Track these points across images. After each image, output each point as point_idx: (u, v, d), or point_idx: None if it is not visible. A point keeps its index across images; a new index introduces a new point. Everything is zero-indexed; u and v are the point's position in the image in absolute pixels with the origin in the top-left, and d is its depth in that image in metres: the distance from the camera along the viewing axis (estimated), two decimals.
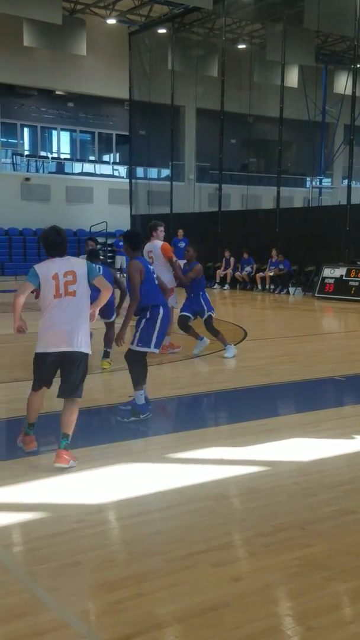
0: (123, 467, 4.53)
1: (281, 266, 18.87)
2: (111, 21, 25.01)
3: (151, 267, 6.00)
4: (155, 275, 5.94)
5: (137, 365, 5.81)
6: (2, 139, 26.26)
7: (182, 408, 6.58)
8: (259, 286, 19.36)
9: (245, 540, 3.57)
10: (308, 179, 29.12)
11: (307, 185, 29.15)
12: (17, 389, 6.90)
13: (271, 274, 19.03)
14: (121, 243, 24.70)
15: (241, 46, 25.18)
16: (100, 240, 27.32)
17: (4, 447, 5.21)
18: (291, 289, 18.46)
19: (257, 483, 4.33)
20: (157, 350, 5.94)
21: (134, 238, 5.99)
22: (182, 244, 20.49)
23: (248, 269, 19.97)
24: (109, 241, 26.92)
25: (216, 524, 3.73)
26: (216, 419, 6.32)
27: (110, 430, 5.60)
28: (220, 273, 20.48)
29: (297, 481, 4.37)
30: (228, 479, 4.40)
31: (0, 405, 6.22)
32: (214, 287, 20.37)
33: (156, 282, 5.91)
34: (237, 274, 20.12)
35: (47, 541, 3.44)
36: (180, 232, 20.55)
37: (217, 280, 20.48)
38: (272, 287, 19.00)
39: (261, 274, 19.41)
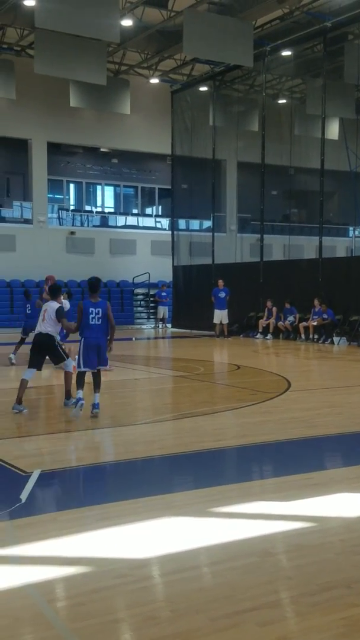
0: (166, 521, 4.51)
1: (325, 316, 18.75)
2: (154, 81, 26.01)
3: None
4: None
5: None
6: (49, 195, 27.22)
7: (226, 460, 6.53)
8: (302, 336, 19.23)
9: (291, 599, 3.49)
10: (351, 228, 29.15)
11: (350, 235, 29.15)
12: (60, 441, 6.99)
13: (315, 323, 18.92)
14: (164, 294, 25.31)
15: (281, 101, 25.77)
16: (142, 290, 27.84)
17: (49, 499, 5.24)
18: (335, 339, 18.28)
19: (303, 539, 4.24)
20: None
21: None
22: (222, 294, 20.69)
23: (291, 318, 19.91)
24: (152, 292, 27.33)
25: (261, 581, 3.67)
26: (261, 472, 6.24)
27: (154, 483, 5.59)
28: (262, 323, 20.47)
29: (343, 538, 4.27)
30: (273, 535, 4.32)
31: (43, 458, 6.28)
32: (257, 336, 20.35)
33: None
34: (280, 323, 20.06)
35: (90, 596, 3.43)
36: (221, 282, 20.73)
37: (260, 330, 20.45)
38: (316, 337, 18.86)
39: (304, 323, 19.31)
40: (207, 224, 27.60)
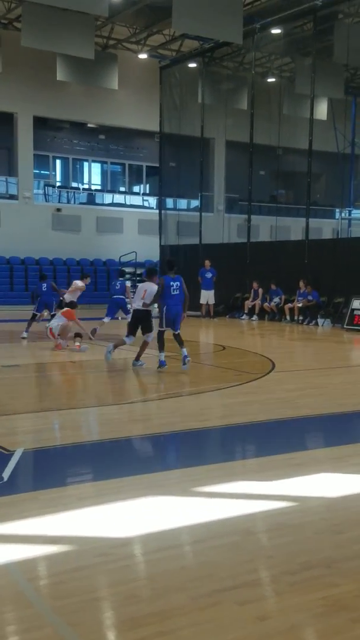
0: (149, 500, 4.52)
1: (310, 297, 18.80)
2: (142, 56, 25.63)
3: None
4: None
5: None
6: (34, 171, 26.88)
7: (210, 440, 6.55)
8: (287, 317, 19.29)
9: (271, 578, 3.52)
10: (337, 210, 29.13)
11: (337, 217, 29.14)
12: (46, 419, 6.97)
13: (300, 305, 18.97)
14: None
15: (270, 79, 25.52)
16: (129, 270, 27.69)
17: (31, 477, 5.23)
18: (320, 321, 18.35)
19: (285, 519, 4.27)
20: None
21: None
22: (209, 275, 20.63)
23: (276, 300, 19.94)
24: (138, 271, 27.21)
25: (242, 560, 3.69)
26: (244, 452, 6.27)
27: (138, 462, 5.60)
28: (248, 304, 20.49)
29: (325, 517, 4.31)
30: (255, 514, 4.35)
31: (29, 435, 6.26)
32: (242, 317, 20.37)
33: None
34: (266, 304, 20.09)
35: (71, 575, 3.43)
36: (207, 262, 20.66)
37: (246, 311, 20.48)
38: (301, 318, 18.92)
39: (290, 305, 19.36)
40: (195, 203, 27.45)
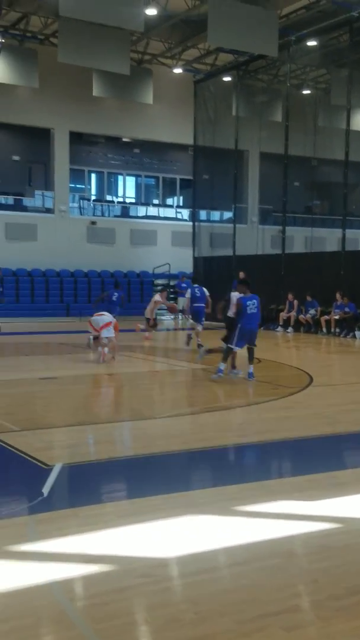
0: (188, 519, 4.45)
1: (347, 309, 18.54)
2: (177, 70, 25.79)
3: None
4: None
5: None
6: (70, 184, 27.21)
7: (248, 457, 6.45)
8: (324, 329, 19.05)
9: (316, 603, 3.41)
10: None
11: None
12: (82, 433, 6.96)
13: (336, 317, 18.72)
14: (184, 285, 25.17)
15: (306, 91, 25.44)
16: (162, 281, 27.76)
17: (70, 493, 5.21)
18: (357, 333, 18.07)
19: (329, 541, 4.16)
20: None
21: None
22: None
23: (312, 311, 19.72)
24: (172, 282, 27.24)
25: (286, 584, 3.60)
26: (283, 470, 6.15)
27: (175, 479, 5.53)
28: (283, 315, 20.30)
29: None
30: (297, 536, 4.25)
31: (67, 450, 6.26)
32: (277, 329, 20.19)
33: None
34: (301, 316, 19.88)
35: (113, 596, 3.38)
36: (242, 274, 20.49)
37: (281, 323, 20.29)
38: (338, 330, 18.66)
39: (326, 317, 19.12)
40: (228, 214, 27.42)
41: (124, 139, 28.57)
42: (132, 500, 4.84)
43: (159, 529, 4.27)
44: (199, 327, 14.49)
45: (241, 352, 10.64)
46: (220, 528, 4.33)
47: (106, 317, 12.27)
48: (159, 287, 27.71)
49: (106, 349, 12.09)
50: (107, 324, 12.10)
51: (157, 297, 16.57)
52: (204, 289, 14.85)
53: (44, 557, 3.83)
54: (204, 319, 14.67)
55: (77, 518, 4.41)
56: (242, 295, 10.31)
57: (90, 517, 4.41)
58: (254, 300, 10.22)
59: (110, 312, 14.11)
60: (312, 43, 21.33)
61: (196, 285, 15.22)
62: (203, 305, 14.56)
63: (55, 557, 3.82)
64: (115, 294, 15.42)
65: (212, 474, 5.79)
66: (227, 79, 24.93)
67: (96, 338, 12.26)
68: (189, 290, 14.89)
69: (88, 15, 18.00)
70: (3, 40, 22.08)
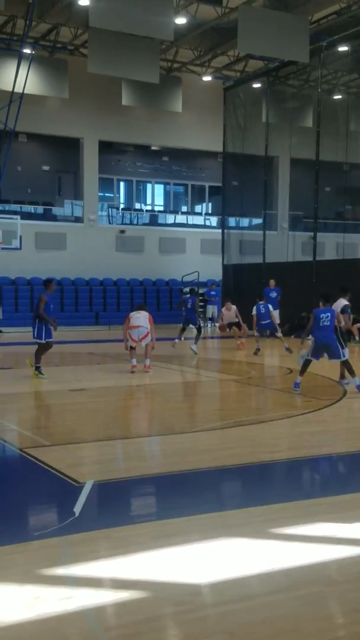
0: (223, 543, 4.32)
1: None
2: (207, 78, 25.79)
3: None
4: None
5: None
6: (99, 193, 27.36)
7: (282, 474, 6.29)
8: (357, 337, 18.72)
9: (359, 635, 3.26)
10: None
11: None
12: (113, 448, 6.89)
13: None
14: (213, 292, 25.03)
15: (337, 96, 25.19)
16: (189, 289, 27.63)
17: (102, 513, 5.12)
18: None
19: None
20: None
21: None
22: (273, 294, 20.27)
23: None
24: (201, 290, 27.13)
25: (328, 613, 3.45)
26: (321, 488, 5.97)
27: (208, 498, 5.40)
28: None
29: None
30: (339, 561, 4.09)
31: (97, 466, 6.18)
32: (308, 337, 19.88)
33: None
34: None
35: (148, 625, 3.28)
36: (272, 282, 20.31)
37: None
38: None
39: (359, 324, 18.78)
40: (258, 221, 27.24)
41: (153, 147, 28.65)
42: (165, 521, 4.72)
43: (193, 553, 4.15)
44: (279, 334, 15.77)
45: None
46: (257, 552, 4.19)
47: (143, 328, 12.15)
48: (186, 295, 27.60)
49: (134, 360, 12.06)
50: (146, 335, 12.07)
51: (224, 310, 17.54)
52: (269, 305, 15.74)
53: (75, 581, 3.74)
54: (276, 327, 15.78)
55: (109, 540, 4.31)
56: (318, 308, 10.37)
57: (122, 539, 4.32)
58: (328, 314, 10.17)
59: (190, 320, 15.90)
60: (343, 48, 21.12)
61: (261, 302, 15.82)
62: (270, 321, 15.46)
63: (87, 582, 3.73)
64: (190, 300, 16.08)
65: (246, 493, 5.66)
66: (257, 85, 24.83)
67: (132, 348, 12.18)
68: (254, 308, 15.57)
69: (118, 26, 18.10)
70: (33, 52, 22.33)
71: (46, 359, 12.02)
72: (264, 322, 15.38)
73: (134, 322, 12.15)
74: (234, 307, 17.21)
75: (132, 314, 12.36)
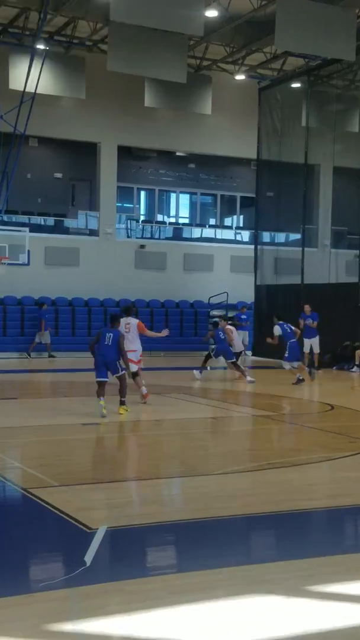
0: (249, 600, 4.34)
1: None
2: (240, 77, 26.13)
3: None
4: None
5: None
6: (117, 204, 27.66)
7: (320, 525, 6.29)
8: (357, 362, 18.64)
9: None
10: None
11: None
12: (128, 491, 6.94)
13: None
14: (244, 316, 25.06)
15: None
16: (219, 312, 27.71)
17: (114, 563, 5.17)
18: None
19: None
20: None
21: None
22: (309, 321, 20.21)
23: None
24: (230, 314, 27.19)
25: None
26: None
27: (235, 550, 5.43)
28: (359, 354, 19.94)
29: None
30: None
31: (110, 510, 6.23)
32: (353, 369, 19.83)
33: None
34: None
35: None
36: (307, 307, 20.24)
37: (357, 362, 19.92)
38: None
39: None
40: (296, 237, 27.32)
41: (178, 153, 29.01)
42: (185, 574, 4.76)
43: (217, 611, 4.18)
44: (297, 364, 16.37)
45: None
46: (290, 612, 4.21)
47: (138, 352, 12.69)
48: (214, 319, 27.67)
49: (144, 389, 12.28)
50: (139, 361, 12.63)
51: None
52: (291, 325, 16.47)
53: (84, 639, 3.79)
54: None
55: (122, 594, 4.36)
56: None
57: (138, 593, 4.36)
58: None
59: (224, 354, 16.42)
60: None
61: (281, 321, 16.37)
62: (295, 340, 16.13)
63: None
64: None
65: (277, 544, 5.67)
66: (296, 85, 25.09)
67: (135, 375, 12.35)
68: (277, 328, 16.09)
69: (141, 20, 18.45)
70: (47, 48, 22.88)
71: (55, 388, 12.15)
72: (291, 341, 15.98)
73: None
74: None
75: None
